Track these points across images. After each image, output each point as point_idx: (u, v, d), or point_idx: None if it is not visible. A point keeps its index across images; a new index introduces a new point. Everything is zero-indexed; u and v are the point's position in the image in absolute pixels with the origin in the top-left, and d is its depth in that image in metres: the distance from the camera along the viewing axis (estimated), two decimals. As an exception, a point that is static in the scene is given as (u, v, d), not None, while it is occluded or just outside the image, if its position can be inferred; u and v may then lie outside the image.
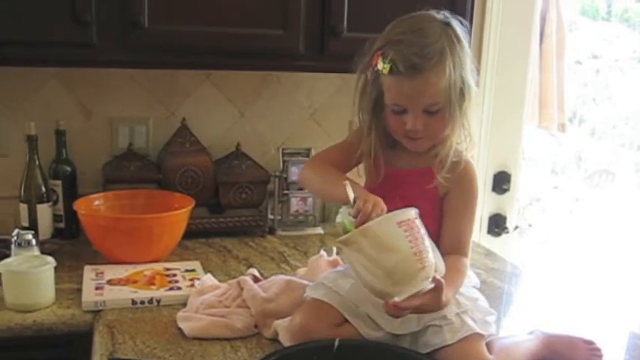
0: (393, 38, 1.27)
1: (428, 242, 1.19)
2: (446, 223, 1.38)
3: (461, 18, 1.32)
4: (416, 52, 1.24)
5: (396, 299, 1.14)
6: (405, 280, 1.15)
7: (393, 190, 1.37)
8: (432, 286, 1.16)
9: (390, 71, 1.25)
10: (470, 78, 1.30)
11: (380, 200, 1.21)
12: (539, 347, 1.36)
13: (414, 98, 1.27)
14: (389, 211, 1.26)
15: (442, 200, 1.38)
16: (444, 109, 1.28)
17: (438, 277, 1.18)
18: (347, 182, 1.24)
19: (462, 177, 1.36)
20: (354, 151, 1.40)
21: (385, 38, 1.29)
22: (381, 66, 1.26)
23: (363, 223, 1.18)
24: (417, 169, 1.36)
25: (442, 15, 1.31)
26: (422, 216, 1.27)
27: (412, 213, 1.19)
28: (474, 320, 1.27)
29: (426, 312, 1.21)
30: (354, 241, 1.16)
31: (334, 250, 1.75)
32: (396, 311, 1.17)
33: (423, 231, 1.19)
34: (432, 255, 1.19)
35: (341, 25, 1.85)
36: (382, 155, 1.38)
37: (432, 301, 1.18)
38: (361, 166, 1.43)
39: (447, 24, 1.29)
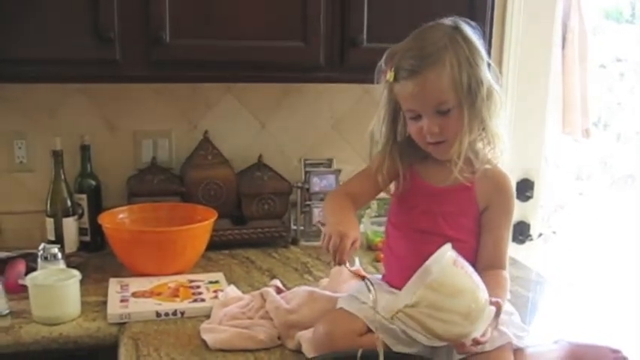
0: (398, 48, 1.32)
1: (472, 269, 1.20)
2: (485, 236, 1.38)
3: (471, 21, 1.34)
4: (413, 55, 1.28)
5: (476, 335, 1.15)
6: (479, 315, 1.15)
7: (433, 207, 1.38)
8: (494, 309, 1.18)
9: (395, 78, 1.30)
10: (484, 77, 1.30)
11: (347, 233, 1.22)
12: (565, 357, 1.35)
13: (419, 100, 1.29)
14: (430, 229, 1.32)
15: (481, 214, 1.38)
16: (455, 108, 1.29)
17: (493, 298, 1.18)
18: (320, 220, 1.27)
19: (500, 190, 1.37)
20: (375, 175, 1.41)
21: (394, 49, 1.33)
22: (389, 75, 1.31)
23: (336, 258, 1.23)
24: (456, 186, 1.35)
25: (451, 20, 1.33)
26: (463, 232, 1.33)
27: (452, 250, 1.18)
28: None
29: None
30: (424, 299, 1.14)
31: (356, 260, 1.75)
32: (474, 349, 1.17)
33: (465, 261, 1.20)
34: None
35: (361, 36, 1.86)
36: (402, 169, 1.39)
37: (495, 322, 1.20)
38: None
39: (455, 27, 1.31)
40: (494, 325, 1.20)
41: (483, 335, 1.16)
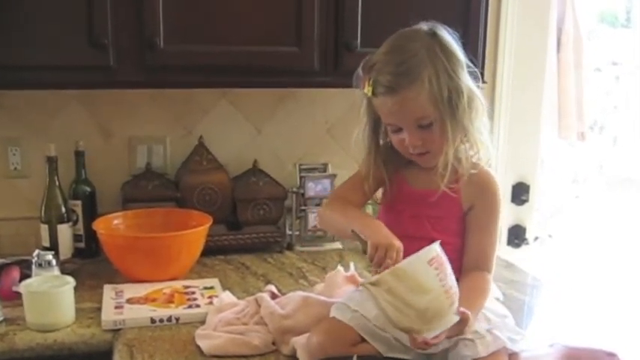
0: (375, 59, 1.30)
1: (452, 273, 1.20)
2: (470, 238, 1.38)
3: (448, 28, 1.32)
4: (391, 72, 1.26)
5: (426, 336, 1.15)
6: (436, 318, 1.15)
7: (419, 211, 1.38)
8: (457, 318, 1.17)
9: (373, 93, 1.28)
10: (462, 85, 1.29)
11: (393, 243, 1.20)
12: (561, 360, 1.35)
13: (399, 116, 1.29)
14: (416, 232, 1.31)
15: (466, 215, 1.38)
16: (436, 121, 1.28)
17: (462, 309, 1.18)
18: (355, 228, 1.26)
19: (485, 191, 1.37)
20: (362, 183, 1.42)
21: (371, 60, 1.31)
22: (366, 89, 1.30)
23: (379, 268, 1.19)
24: (439, 189, 1.34)
25: (428, 27, 1.32)
26: (449, 234, 1.31)
27: (438, 248, 1.18)
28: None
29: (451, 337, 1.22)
30: (385, 282, 1.15)
31: (351, 265, 1.74)
32: (424, 347, 1.17)
33: (447, 264, 1.19)
34: (456, 286, 1.19)
35: (355, 41, 1.86)
36: (387, 175, 1.40)
37: (458, 331, 1.20)
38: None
39: (432, 35, 1.30)
40: (457, 333, 1.20)
41: (436, 338, 1.16)
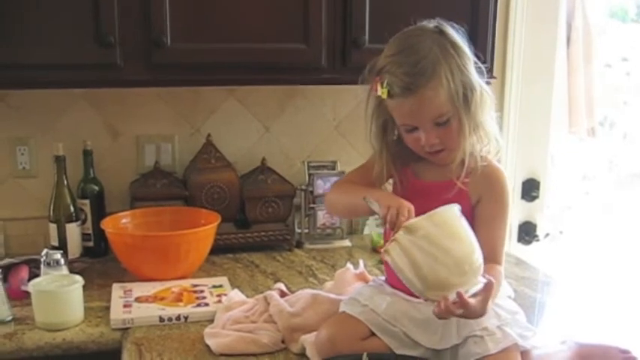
0: (386, 61, 1.29)
1: None
2: (479, 231, 1.35)
3: (454, 24, 1.32)
4: (407, 72, 1.25)
5: (461, 290, 1.12)
6: (470, 272, 1.14)
7: (427, 203, 1.36)
8: (483, 282, 1.15)
9: (389, 95, 1.27)
10: (474, 80, 1.29)
11: (403, 203, 1.21)
12: (573, 357, 1.34)
13: (417, 115, 1.28)
14: None
15: (474, 209, 1.37)
16: (453, 118, 1.28)
17: (486, 275, 1.17)
18: (366, 196, 1.26)
19: (492, 184, 1.36)
20: (374, 181, 1.41)
21: (381, 61, 1.30)
22: (380, 91, 1.28)
23: (393, 229, 1.18)
24: (448, 181, 1.34)
25: (433, 24, 1.31)
26: None
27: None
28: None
29: (470, 317, 1.17)
30: (422, 227, 1.14)
31: (360, 262, 1.74)
32: (454, 310, 1.13)
33: None
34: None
35: (363, 37, 1.85)
36: (397, 172, 1.39)
37: (479, 305, 1.15)
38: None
39: (440, 32, 1.29)
40: (484, 301, 1.15)
41: (469, 295, 1.13)
